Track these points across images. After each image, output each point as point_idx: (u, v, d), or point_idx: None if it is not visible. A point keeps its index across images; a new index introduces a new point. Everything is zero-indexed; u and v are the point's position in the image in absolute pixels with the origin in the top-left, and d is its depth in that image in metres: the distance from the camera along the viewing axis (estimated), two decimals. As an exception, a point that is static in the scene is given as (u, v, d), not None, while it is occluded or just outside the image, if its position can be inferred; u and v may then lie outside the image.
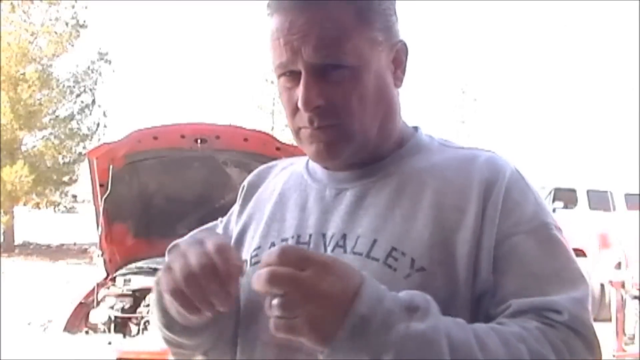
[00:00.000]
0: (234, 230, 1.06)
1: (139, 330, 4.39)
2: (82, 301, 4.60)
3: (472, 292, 0.85)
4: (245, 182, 1.12)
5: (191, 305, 0.81)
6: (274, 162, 1.15)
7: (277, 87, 0.96)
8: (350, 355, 0.72)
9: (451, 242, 0.86)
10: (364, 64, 0.90)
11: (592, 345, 0.80)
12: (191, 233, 1.08)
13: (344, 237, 0.91)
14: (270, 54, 0.94)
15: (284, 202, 1.01)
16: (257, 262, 0.95)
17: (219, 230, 1.11)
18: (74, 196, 19.09)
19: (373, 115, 0.92)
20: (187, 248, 0.84)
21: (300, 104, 0.89)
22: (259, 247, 0.98)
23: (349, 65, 0.89)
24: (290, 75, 0.91)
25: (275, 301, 0.72)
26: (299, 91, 0.89)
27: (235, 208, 1.11)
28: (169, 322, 0.92)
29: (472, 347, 0.74)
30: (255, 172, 1.14)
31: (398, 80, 0.97)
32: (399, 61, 0.96)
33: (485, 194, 0.88)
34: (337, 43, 0.88)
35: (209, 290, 0.80)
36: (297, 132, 0.94)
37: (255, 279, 0.73)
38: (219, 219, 1.14)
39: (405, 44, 0.97)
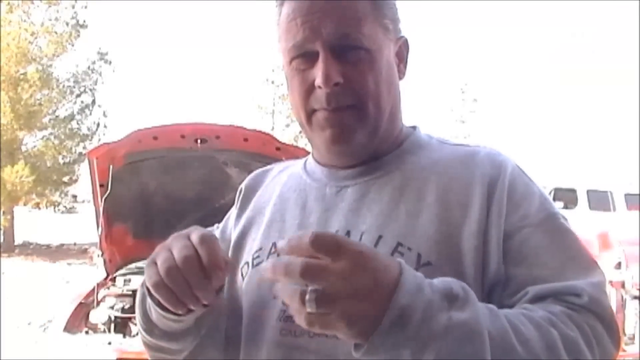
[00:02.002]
0: (233, 234, 1.06)
1: (139, 330, 4.38)
2: (82, 301, 4.59)
3: (482, 285, 0.84)
4: (242, 186, 1.12)
5: (174, 299, 0.79)
6: (269, 166, 1.15)
7: (287, 73, 0.96)
8: (391, 350, 0.68)
9: (457, 237, 0.86)
10: (378, 49, 0.93)
11: (612, 328, 0.80)
12: None
13: (347, 233, 0.91)
14: (281, 38, 0.95)
15: (283, 203, 1.01)
16: (259, 263, 0.95)
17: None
18: (74, 196, 19.08)
19: (386, 99, 0.94)
20: (171, 241, 0.82)
21: (319, 81, 0.89)
22: (260, 249, 0.97)
23: (365, 47, 0.91)
24: (304, 57, 0.92)
25: (308, 296, 0.66)
26: (318, 69, 0.90)
27: (233, 212, 1.10)
28: (149, 327, 0.91)
29: (508, 334, 0.72)
30: (251, 175, 1.13)
31: (401, 74, 1.00)
32: (401, 55, 1.00)
33: (489, 188, 0.89)
34: (356, 25, 0.90)
35: (192, 282, 0.77)
36: (309, 116, 0.94)
37: (283, 269, 0.68)
38: (215, 225, 1.13)
39: (407, 40, 1.01)
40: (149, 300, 0.86)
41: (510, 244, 0.86)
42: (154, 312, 0.87)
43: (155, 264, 0.80)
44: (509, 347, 0.71)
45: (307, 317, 0.68)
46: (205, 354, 0.95)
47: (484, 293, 0.84)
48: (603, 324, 0.79)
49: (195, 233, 0.81)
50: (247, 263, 0.98)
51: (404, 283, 0.68)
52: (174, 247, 0.80)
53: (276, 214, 1.01)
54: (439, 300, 0.70)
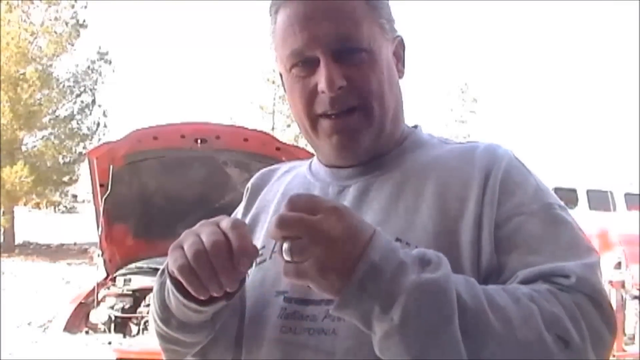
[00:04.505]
0: None
1: (139, 330, 4.38)
2: (82, 301, 4.59)
3: (478, 275, 0.84)
4: (249, 184, 1.13)
5: (198, 283, 0.77)
6: (276, 165, 1.16)
7: (287, 80, 0.96)
8: (361, 303, 0.70)
9: (455, 231, 0.86)
10: (377, 49, 0.93)
11: (603, 308, 0.78)
12: None
13: None
14: (278, 46, 0.94)
15: None
16: (262, 262, 0.96)
17: None
18: (74, 196, 19.13)
19: (389, 98, 0.94)
20: (199, 227, 0.80)
21: (323, 86, 0.89)
22: (263, 247, 0.97)
23: (366, 48, 0.91)
24: (304, 64, 0.91)
25: (285, 245, 0.70)
26: (321, 74, 0.89)
27: (240, 209, 1.11)
28: (166, 317, 0.89)
29: (480, 301, 0.72)
30: (258, 174, 1.14)
31: (400, 73, 1.00)
32: (398, 54, 1.00)
33: (485, 179, 0.88)
34: (354, 27, 0.90)
35: (219, 268, 0.76)
36: (314, 122, 0.94)
37: (268, 227, 0.71)
38: None
39: (402, 39, 1.01)
40: (169, 287, 0.85)
41: (504, 232, 0.85)
42: (174, 301, 0.85)
43: (182, 248, 0.79)
44: (481, 312, 0.71)
45: (284, 266, 0.71)
46: (217, 350, 0.95)
47: (480, 283, 0.83)
48: (593, 303, 0.77)
49: (226, 220, 0.80)
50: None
51: (376, 242, 0.72)
52: (203, 232, 0.78)
53: (279, 211, 1.01)
54: (411, 262, 0.72)
